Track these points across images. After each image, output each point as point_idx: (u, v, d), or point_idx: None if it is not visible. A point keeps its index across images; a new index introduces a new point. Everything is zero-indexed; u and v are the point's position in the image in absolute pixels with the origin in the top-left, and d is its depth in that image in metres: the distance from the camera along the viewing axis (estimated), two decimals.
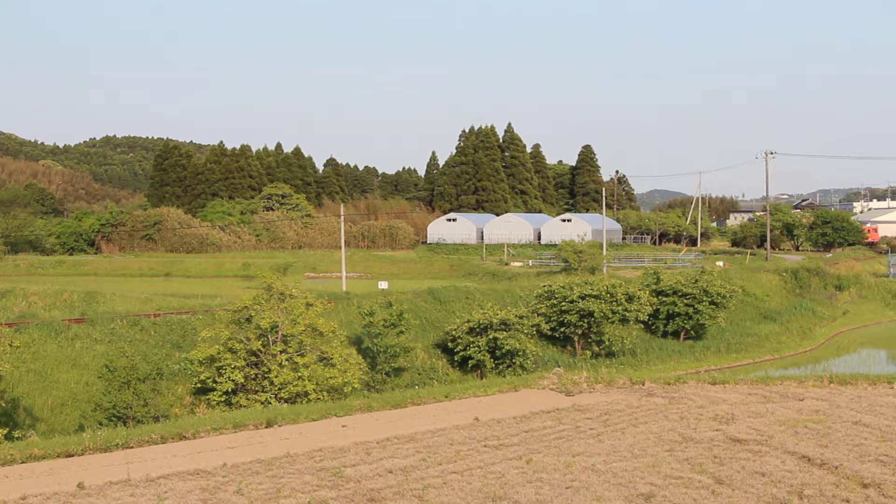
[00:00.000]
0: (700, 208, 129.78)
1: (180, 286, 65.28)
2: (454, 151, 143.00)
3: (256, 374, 27.95)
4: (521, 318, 39.05)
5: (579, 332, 42.39)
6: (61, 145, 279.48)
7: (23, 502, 12.31)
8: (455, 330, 38.46)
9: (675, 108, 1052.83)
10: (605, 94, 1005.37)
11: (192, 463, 14.53)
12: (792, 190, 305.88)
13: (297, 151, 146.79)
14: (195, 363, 29.00)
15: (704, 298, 46.59)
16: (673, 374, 28.16)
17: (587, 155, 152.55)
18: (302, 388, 27.07)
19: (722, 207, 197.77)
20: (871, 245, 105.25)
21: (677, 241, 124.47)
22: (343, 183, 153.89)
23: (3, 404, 25.96)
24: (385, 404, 19.76)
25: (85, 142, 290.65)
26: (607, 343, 42.14)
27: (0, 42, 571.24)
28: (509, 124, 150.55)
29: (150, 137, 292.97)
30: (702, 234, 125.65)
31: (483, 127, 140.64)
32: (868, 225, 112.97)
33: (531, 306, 43.58)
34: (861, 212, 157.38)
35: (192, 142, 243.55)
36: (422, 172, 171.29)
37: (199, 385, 28.83)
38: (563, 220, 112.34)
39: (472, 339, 37.67)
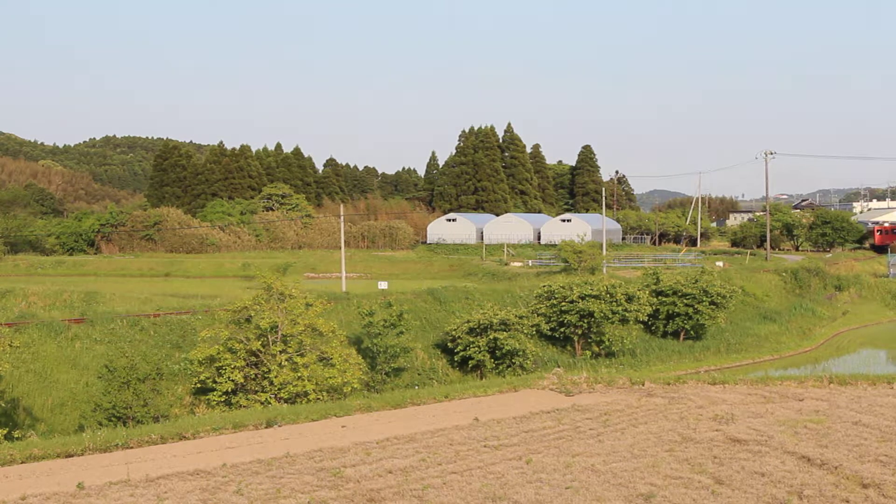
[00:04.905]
0: (700, 208, 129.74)
1: (180, 286, 65.25)
2: (454, 151, 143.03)
3: (256, 374, 27.95)
4: (521, 318, 39.05)
5: (579, 332, 42.39)
6: (61, 145, 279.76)
7: (23, 502, 12.30)
8: (455, 330, 38.46)
9: (675, 108, 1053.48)
10: (605, 94, 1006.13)
11: (191, 463, 14.52)
12: (792, 190, 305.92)
13: (296, 151, 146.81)
14: (195, 363, 29.00)
15: (704, 299, 46.58)
16: (673, 374, 28.14)
17: (587, 155, 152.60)
18: (302, 388, 27.07)
19: (722, 207, 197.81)
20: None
21: (677, 242, 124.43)
22: (343, 183, 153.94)
23: (3, 404, 25.95)
24: (385, 404, 19.73)
25: (85, 142, 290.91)
26: (607, 343, 42.13)
27: (0, 42, 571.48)
28: (509, 124, 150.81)
29: (150, 137, 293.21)
30: (702, 235, 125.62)
31: (483, 127, 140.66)
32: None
33: (531, 306, 43.57)
34: (861, 212, 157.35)
35: (192, 142, 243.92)
36: (422, 172, 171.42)
37: (198, 385, 28.83)
38: (563, 221, 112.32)
39: (472, 340, 37.66)
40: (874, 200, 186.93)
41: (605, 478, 13.19)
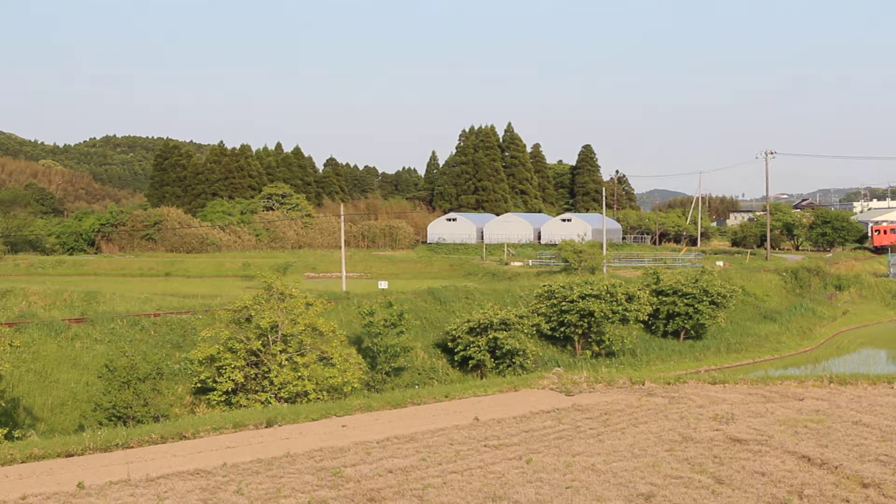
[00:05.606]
0: (700, 208, 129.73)
1: (180, 286, 65.27)
2: (454, 151, 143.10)
3: (256, 374, 27.94)
4: (521, 317, 39.03)
5: (579, 331, 42.37)
6: (61, 145, 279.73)
7: (23, 502, 12.30)
8: (455, 330, 38.45)
9: (675, 108, 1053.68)
10: (605, 94, 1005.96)
11: (192, 463, 14.52)
12: (792, 190, 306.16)
13: (297, 151, 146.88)
14: (195, 363, 28.99)
15: (704, 298, 46.56)
16: (673, 373, 28.14)
17: (587, 155, 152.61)
18: (302, 388, 27.06)
19: (722, 207, 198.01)
20: None
21: (677, 241, 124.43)
22: (343, 183, 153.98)
23: (3, 404, 25.95)
24: (385, 404, 19.73)
25: (85, 142, 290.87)
26: (607, 343, 42.11)
27: (0, 42, 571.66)
28: (509, 124, 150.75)
29: (150, 137, 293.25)
30: (702, 234, 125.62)
31: (483, 127, 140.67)
32: None
33: (531, 306, 43.56)
34: (861, 211, 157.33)
35: (192, 142, 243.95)
36: (422, 172, 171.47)
37: (199, 385, 28.82)
38: (563, 220, 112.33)
39: (472, 339, 37.65)
40: (874, 200, 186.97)
41: (605, 477, 13.19)
